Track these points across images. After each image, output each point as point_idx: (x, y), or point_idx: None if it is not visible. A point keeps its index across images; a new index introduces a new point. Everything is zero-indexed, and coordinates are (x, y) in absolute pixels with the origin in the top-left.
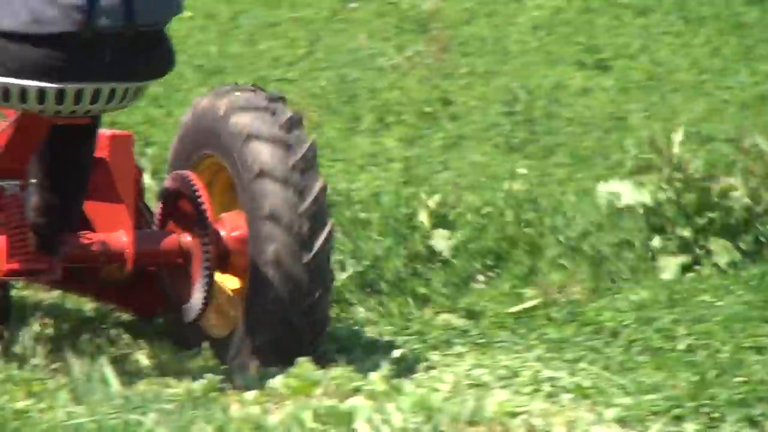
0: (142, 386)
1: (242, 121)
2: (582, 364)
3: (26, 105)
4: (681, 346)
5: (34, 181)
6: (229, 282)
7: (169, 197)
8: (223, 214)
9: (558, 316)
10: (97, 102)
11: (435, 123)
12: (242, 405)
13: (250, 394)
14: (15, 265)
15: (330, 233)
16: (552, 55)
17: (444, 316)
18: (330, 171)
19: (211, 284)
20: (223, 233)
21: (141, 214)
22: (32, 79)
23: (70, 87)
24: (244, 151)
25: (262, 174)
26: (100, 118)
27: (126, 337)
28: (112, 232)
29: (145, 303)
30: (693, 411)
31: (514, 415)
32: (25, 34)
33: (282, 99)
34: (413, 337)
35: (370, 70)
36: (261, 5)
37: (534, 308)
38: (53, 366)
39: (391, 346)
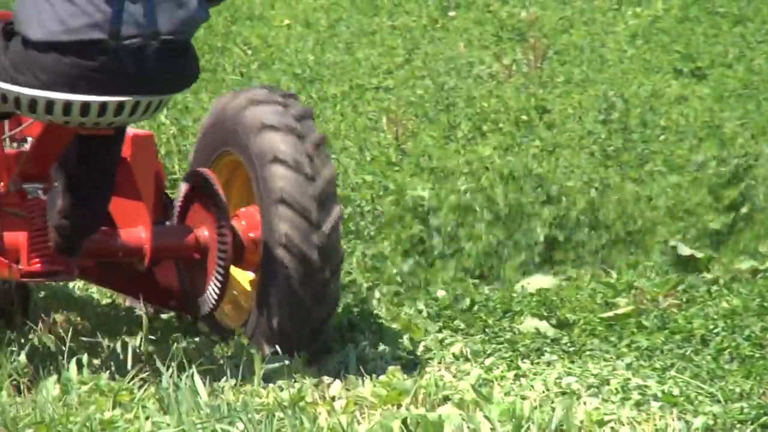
0: (230, 395)
1: (257, 113)
2: (671, 372)
3: (52, 117)
4: None
5: (56, 184)
6: (244, 275)
7: (188, 193)
8: (240, 210)
9: (649, 324)
10: (120, 114)
11: (531, 131)
12: (331, 414)
13: (339, 404)
14: (35, 267)
15: (339, 216)
16: (649, 63)
17: (534, 324)
18: (422, 177)
19: (226, 278)
20: (239, 229)
21: (165, 209)
22: (59, 91)
23: (95, 100)
24: (259, 140)
25: (275, 160)
26: (126, 127)
27: (216, 349)
28: (132, 227)
29: (160, 294)
30: None
31: (602, 423)
32: (55, 43)
33: (293, 96)
34: (503, 345)
35: (467, 78)
36: (359, 13)
37: (625, 315)
38: (141, 375)
39: (480, 354)
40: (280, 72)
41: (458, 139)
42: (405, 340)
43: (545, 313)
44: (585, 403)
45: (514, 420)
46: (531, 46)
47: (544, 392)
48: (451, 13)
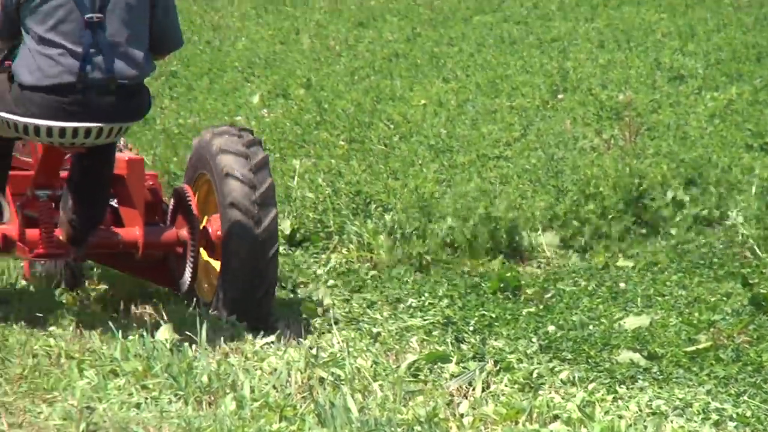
0: (377, 411)
1: (217, 141)
2: (744, 398)
3: (40, 138)
4: None
5: (66, 190)
6: (215, 263)
7: (174, 204)
8: (212, 215)
9: (725, 357)
10: (89, 137)
11: (627, 195)
12: (460, 429)
13: (467, 420)
14: (42, 251)
15: (275, 216)
16: (725, 139)
17: (629, 356)
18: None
19: (196, 266)
20: (210, 229)
21: (164, 214)
22: (45, 119)
23: (69, 125)
24: (218, 161)
25: (227, 175)
26: (113, 148)
27: (365, 369)
28: (130, 227)
29: (166, 278)
30: None
31: None
32: (39, 86)
33: (249, 131)
34: (603, 373)
35: (573, 150)
36: (483, 95)
37: (705, 349)
38: (303, 394)
39: (584, 380)
40: (417, 143)
41: (565, 201)
42: (521, 367)
43: (638, 347)
44: (672, 422)
45: None
46: (626, 123)
47: (637, 413)
48: (560, 96)
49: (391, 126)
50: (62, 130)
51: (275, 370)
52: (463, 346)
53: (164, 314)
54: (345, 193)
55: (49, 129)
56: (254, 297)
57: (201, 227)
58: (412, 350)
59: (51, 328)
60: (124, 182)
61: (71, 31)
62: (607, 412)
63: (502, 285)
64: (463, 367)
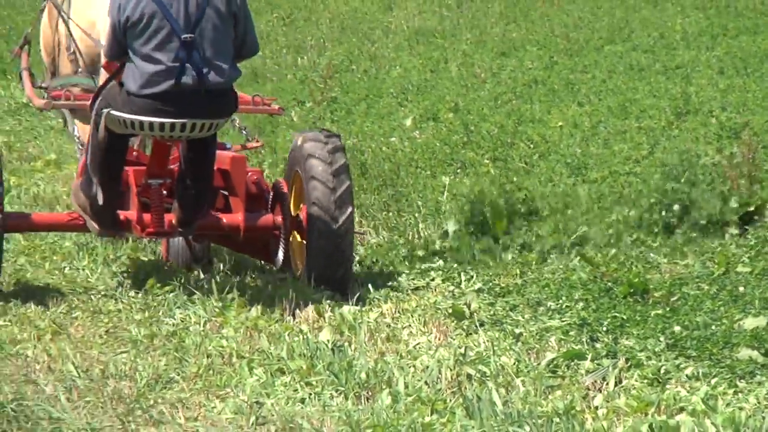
0: (519, 404)
1: (307, 146)
2: None
3: (143, 131)
4: None
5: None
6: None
7: (274, 195)
8: (305, 206)
9: None
10: (184, 131)
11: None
12: (594, 420)
13: (601, 411)
14: (152, 230)
15: (351, 213)
16: None
17: (748, 353)
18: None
19: (287, 246)
20: (301, 217)
21: (267, 202)
22: (147, 116)
23: (167, 121)
24: (306, 164)
25: (312, 177)
26: (211, 145)
27: (508, 366)
28: (234, 213)
29: (266, 255)
30: None
31: None
32: (141, 94)
33: (336, 135)
34: (725, 369)
35: (696, 166)
36: (614, 117)
37: None
38: (452, 389)
39: (707, 375)
40: (555, 161)
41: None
42: (650, 364)
43: (756, 345)
44: None
45: (734, 425)
46: (744, 142)
47: (756, 405)
48: (683, 118)
49: (531, 146)
50: (161, 125)
51: (427, 367)
52: (597, 345)
53: (325, 318)
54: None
55: (151, 124)
56: (334, 275)
57: (294, 215)
58: (551, 349)
59: (224, 331)
60: (228, 175)
61: (169, 50)
62: (728, 405)
63: (632, 289)
64: (597, 364)
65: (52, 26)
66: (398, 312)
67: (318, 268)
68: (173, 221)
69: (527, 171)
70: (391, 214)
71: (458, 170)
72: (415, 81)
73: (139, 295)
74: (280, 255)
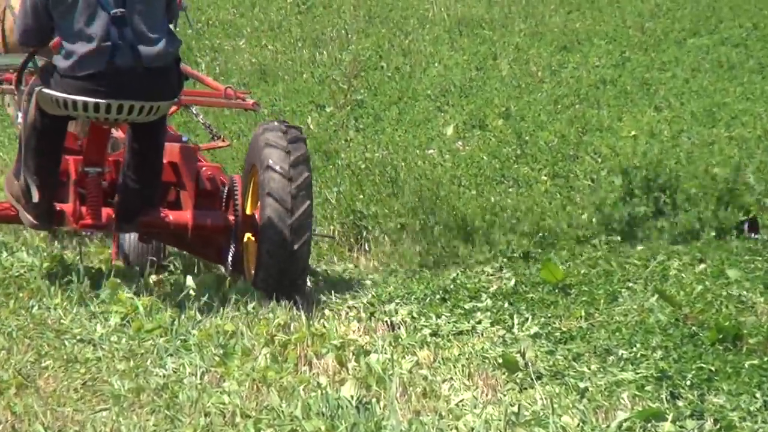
0: None
1: (265, 136)
2: None
3: (78, 112)
4: None
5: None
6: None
7: (227, 192)
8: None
9: None
10: (121, 113)
11: None
12: None
13: None
14: (88, 222)
15: (309, 206)
16: None
17: None
18: None
19: (238, 248)
20: (257, 215)
21: (218, 199)
22: (81, 95)
23: (103, 102)
24: (263, 154)
25: (268, 168)
26: (157, 133)
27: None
28: (183, 211)
29: (216, 256)
30: None
31: None
32: (73, 75)
33: (296, 127)
34: None
35: None
36: (699, 125)
37: None
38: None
39: None
40: (627, 178)
41: None
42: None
43: None
44: None
45: None
46: None
47: None
48: None
49: (599, 159)
50: (96, 105)
51: (473, 429)
52: (680, 403)
53: (348, 368)
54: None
55: (85, 104)
56: (288, 279)
57: (249, 213)
58: (623, 407)
59: (225, 384)
60: (177, 169)
61: (99, 28)
62: None
63: (721, 335)
64: (680, 426)
65: None
66: (437, 361)
67: (268, 267)
68: (113, 215)
69: (593, 190)
70: (427, 243)
71: (510, 188)
72: (458, 81)
73: (123, 340)
74: (231, 257)
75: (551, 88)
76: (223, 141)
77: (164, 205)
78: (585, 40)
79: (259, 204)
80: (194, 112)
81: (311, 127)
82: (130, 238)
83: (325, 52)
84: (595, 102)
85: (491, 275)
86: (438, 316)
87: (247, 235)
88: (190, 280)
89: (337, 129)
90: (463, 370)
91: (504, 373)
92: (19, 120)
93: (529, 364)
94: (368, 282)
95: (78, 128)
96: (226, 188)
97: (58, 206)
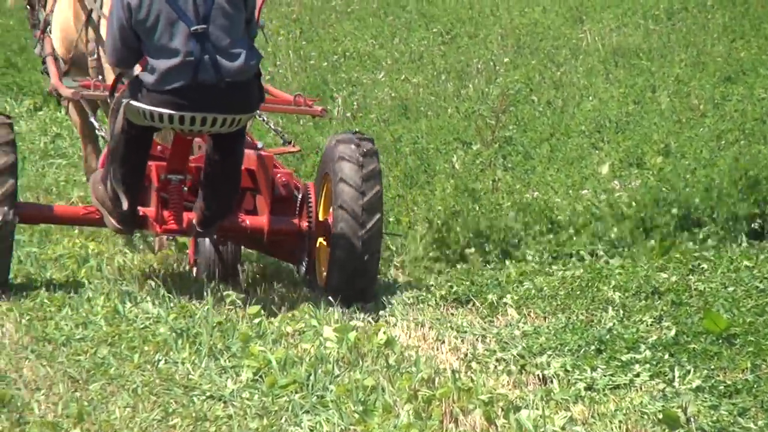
0: None
1: (339, 149)
2: None
3: (163, 124)
4: None
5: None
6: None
7: (301, 198)
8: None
9: None
10: (205, 125)
11: None
12: None
13: None
14: (171, 227)
15: (380, 219)
16: None
17: None
18: None
19: (312, 253)
20: (330, 222)
21: (293, 204)
22: (166, 108)
23: (187, 114)
24: (337, 166)
25: (341, 180)
26: (236, 143)
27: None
28: (259, 216)
29: (292, 257)
30: None
31: None
32: (158, 89)
33: (369, 139)
34: None
35: None
36: None
37: None
38: None
39: None
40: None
41: None
42: None
43: None
44: None
45: None
46: None
47: None
48: None
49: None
50: (181, 118)
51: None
52: None
53: (497, 425)
54: None
55: (170, 116)
56: (357, 287)
57: (322, 220)
58: None
59: None
60: (254, 175)
61: (182, 44)
62: None
63: None
64: None
65: (77, 26)
66: (592, 417)
67: (340, 276)
68: (193, 220)
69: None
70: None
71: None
72: (614, 115)
73: (255, 396)
74: (304, 261)
75: (714, 123)
76: (294, 146)
77: (242, 211)
78: (750, 71)
79: (331, 211)
80: (263, 118)
81: (456, 166)
82: (208, 243)
83: (470, 86)
84: (761, 137)
85: (650, 325)
86: (593, 369)
87: (320, 240)
88: (328, 331)
89: (484, 168)
90: (620, 427)
91: (664, 430)
92: (103, 132)
93: (692, 420)
94: (518, 332)
95: (159, 136)
96: (300, 194)
97: (142, 211)
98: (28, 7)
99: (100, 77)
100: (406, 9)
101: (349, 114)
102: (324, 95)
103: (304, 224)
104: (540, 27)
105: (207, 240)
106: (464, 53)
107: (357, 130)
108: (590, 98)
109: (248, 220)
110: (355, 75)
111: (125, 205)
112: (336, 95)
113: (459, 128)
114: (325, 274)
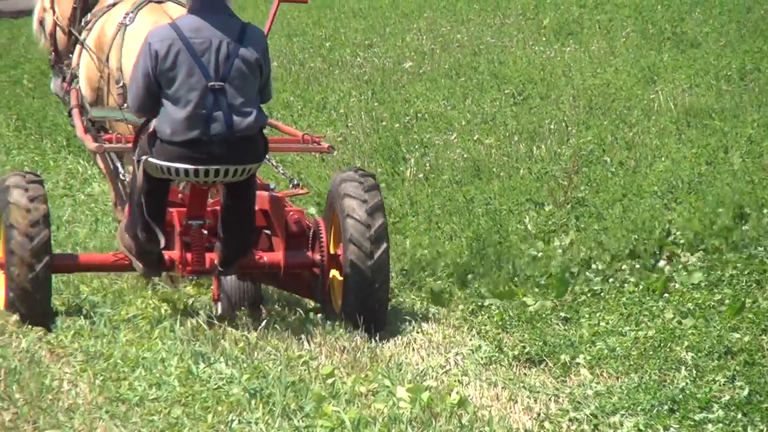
0: None
1: (344, 186)
2: None
3: (179, 177)
4: None
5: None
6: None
7: (313, 234)
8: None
9: None
10: (218, 176)
11: None
12: None
13: None
14: (195, 267)
15: (386, 249)
16: None
17: None
18: None
19: (324, 284)
20: (340, 255)
21: (305, 239)
22: (181, 163)
23: (201, 168)
24: (343, 204)
25: (348, 216)
26: (248, 187)
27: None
28: (275, 252)
29: (307, 291)
30: None
31: None
32: (173, 141)
33: (371, 175)
34: None
35: None
36: None
37: None
38: None
39: None
40: None
41: None
42: None
43: None
44: None
45: None
46: None
47: None
48: None
49: None
50: (196, 171)
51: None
52: None
53: None
54: None
55: (186, 170)
56: (369, 311)
57: (333, 253)
58: None
59: None
60: (267, 215)
61: (199, 97)
62: None
63: None
64: None
65: (101, 58)
66: None
67: (354, 302)
68: (215, 260)
69: None
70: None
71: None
72: (686, 176)
73: None
74: (319, 291)
75: None
76: (302, 189)
77: (258, 248)
78: None
79: (341, 245)
80: (273, 163)
81: (529, 227)
82: (230, 280)
83: (543, 146)
84: None
85: (723, 384)
86: (666, 429)
87: (333, 272)
88: (401, 391)
89: (557, 229)
90: None
91: None
92: (127, 178)
93: None
94: (590, 392)
95: (181, 184)
96: (311, 230)
97: (167, 254)
98: (53, 53)
99: (125, 105)
100: (478, 70)
101: (421, 175)
102: (396, 156)
103: (317, 257)
104: (612, 88)
105: (229, 277)
106: (536, 114)
107: (358, 166)
108: (663, 158)
109: (266, 257)
110: (427, 136)
111: (163, 242)
112: (408, 156)
113: (531, 189)
114: (340, 302)
